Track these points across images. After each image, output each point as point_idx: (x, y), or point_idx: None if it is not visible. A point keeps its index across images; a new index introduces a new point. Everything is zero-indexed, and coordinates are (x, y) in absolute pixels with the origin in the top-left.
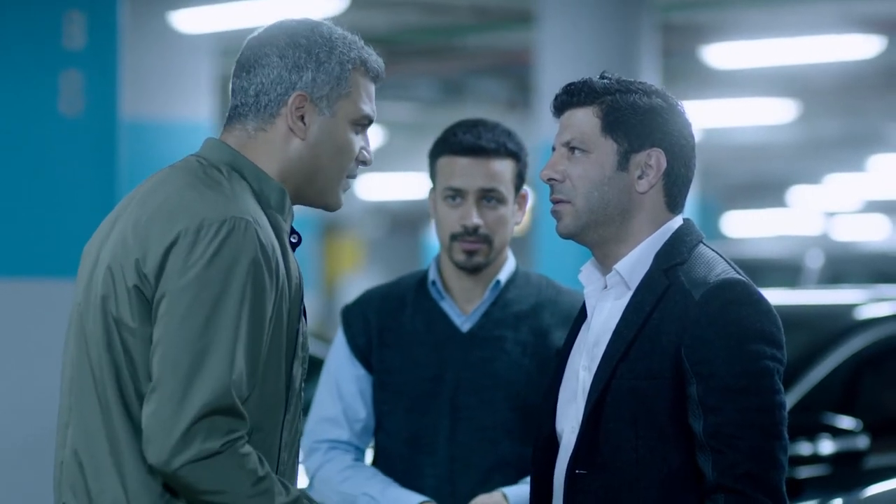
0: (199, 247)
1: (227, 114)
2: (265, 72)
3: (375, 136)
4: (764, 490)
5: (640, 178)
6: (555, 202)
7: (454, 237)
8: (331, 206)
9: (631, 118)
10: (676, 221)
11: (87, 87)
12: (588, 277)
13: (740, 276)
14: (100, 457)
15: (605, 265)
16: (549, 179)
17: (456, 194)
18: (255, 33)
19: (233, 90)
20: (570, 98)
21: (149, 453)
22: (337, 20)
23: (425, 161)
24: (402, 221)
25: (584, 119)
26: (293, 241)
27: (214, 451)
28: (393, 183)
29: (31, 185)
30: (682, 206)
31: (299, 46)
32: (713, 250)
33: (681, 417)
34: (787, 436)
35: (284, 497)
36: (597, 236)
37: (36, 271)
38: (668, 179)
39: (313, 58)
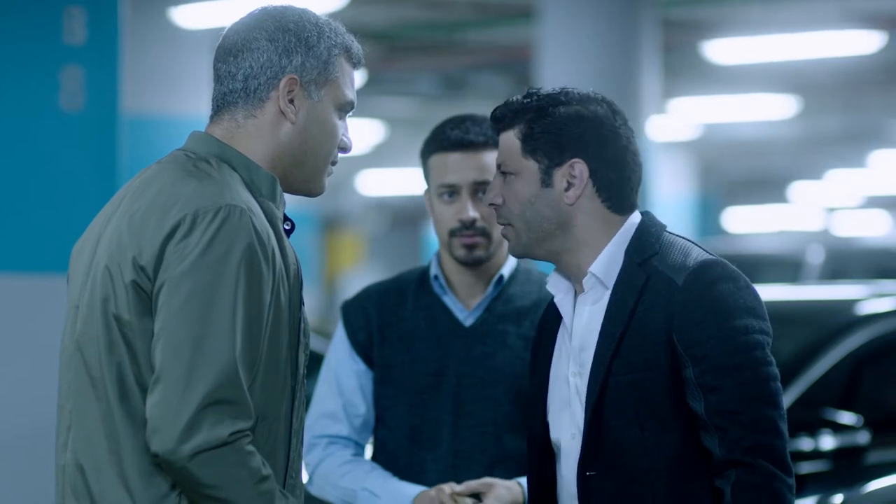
0: (194, 235)
1: (214, 102)
2: (254, 56)
3: (376, 131)
4: (771, 459)
5: (566, 190)
6: (501, 226)
7: (453, 233)
8: (315, 191)
9: (545, 136)
10: (636, 216)
11: (87, 83)
12: (556, 286)
13: (715, 257)
14: (101, 460)
15: (569, 273)
16: (490, 204)
17: (450, 190)
18: (239, 19)
19: (218, 76)
20: (496, 123)
21: (154, 442)
22: (337, 15)
23: None
24: (403, 217)
25: (509, 142)
26: (286, 227)
27: (223, 440)
28: (393, 178)
29: (32, 180)
30: (631, 204)
31: (288, 31)
32: (679, 236)
33: (680, 402)
34: (783, 405)
35: (284, 502)
36: (544, 252)
37: (37, 267)
38: (600, 185)
39: (303, 42)
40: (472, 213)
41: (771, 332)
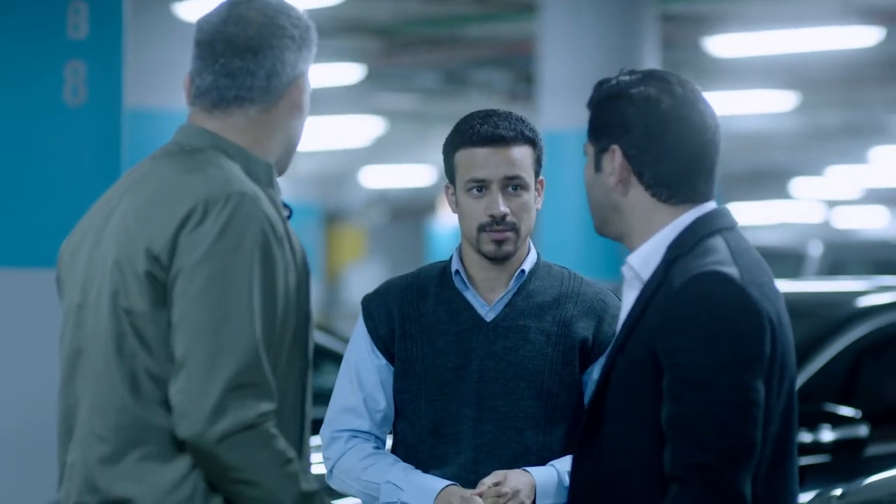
0: (207, 223)
1: (215, 94)
2: (275, 54)
3: (377, 126)
4: (712, 485)
5: (610, 175)
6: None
7: (481, 228)
8: (285, 171)
9: (593, 121)
10: (697, 211)
11: (90, 77)
12: (626, 270)
13: (724, 270)
14: (110, 454)
15: None
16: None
17: (479, 185)
18: (239, 12)
19: (229, 72)
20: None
21: (181, 428)
22: (339, 10)
23: (427, 150)
24: (404, 210)
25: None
26: (286, 214)
27: (249, 422)
28: (394, 172)
29: (36, 174)
30: (691, 196)
31: (298, 27)
32: (726, 241)
33: (659, 408)
34: (750, 434)
35: (308, 485)
36: (610, 234)
37: (40, 262)
38: (641, 173)
39: (305, 38)
40: (503, 207)
41: (761, 357)
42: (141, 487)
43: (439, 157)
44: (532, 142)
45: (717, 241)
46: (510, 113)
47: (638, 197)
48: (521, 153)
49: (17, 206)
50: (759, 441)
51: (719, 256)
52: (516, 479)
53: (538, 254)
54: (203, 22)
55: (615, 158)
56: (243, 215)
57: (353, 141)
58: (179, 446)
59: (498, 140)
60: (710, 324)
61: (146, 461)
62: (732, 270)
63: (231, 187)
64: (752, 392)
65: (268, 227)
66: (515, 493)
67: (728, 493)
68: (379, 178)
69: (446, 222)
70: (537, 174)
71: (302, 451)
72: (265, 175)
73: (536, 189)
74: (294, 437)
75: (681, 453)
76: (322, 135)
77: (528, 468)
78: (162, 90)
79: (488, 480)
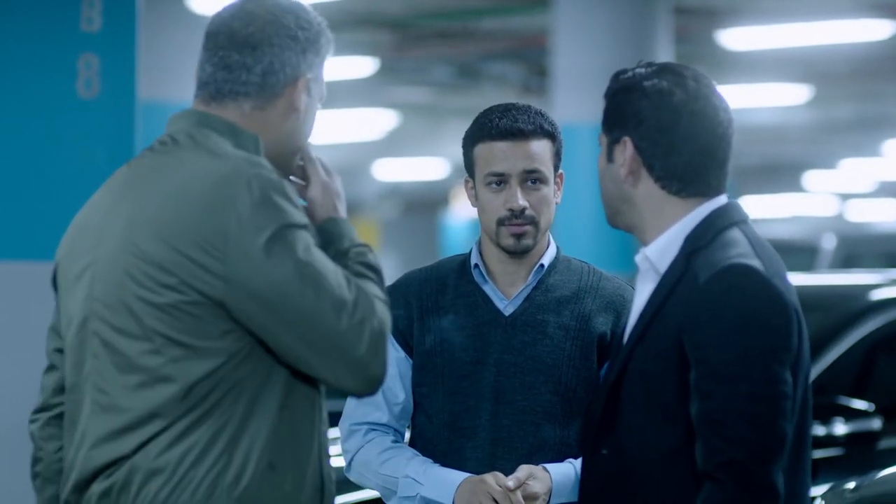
0: (241, 206)
1: (212, 87)
2: (274, 52)
3: (390, 119)
4: (745, 481)
5: (620, 166)
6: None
7: (500, 222)
8: (286, 176)
9: (609, 112)
10: (712, 204)
11: (104, 70)
12: (640, 261)
13: (750, 263)
14: (131, 446)
15: None
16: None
17: (499, 179)
18: (248, 8)
19: (227, 64)
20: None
21: (353, 393)
22: (351, 3)
23: (440, 143)
24: (417, 203)
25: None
26: None
27: (385, 334)
28: (407, 165)
29: (50, 167)
30: (704, 189)
31: (304, 28)
32: (744, 234)
33: (685, 402)
34: (782, 427)
35: (373, 284)
36: (622, 226)
37: (53, 254)
38: (651, 165)
39: (314, 42)
40: (522, 201)
41: (790, 350)
42: (170, 473)
43: (453, 150)
44: (551, 135)
45: (736, 234)
46: (529, 106)
47: (648, 189)
48: (540, 147)
49: (32, 200)
50: (789, 433)
51: (742, 249)
52: (540, 484)
53: (558, 248)
54: (215, 15)
55: (626, 150)
56: (267, 193)
57: (365, 134)
58: (175, 415)
59: (517, 134)
60: (739, 317)
61: (143, 435)
62: (756, 263)
63: (248, 167)
64: (781, 384)
65: (289, 188)
66: (534, 498)
67: (761, 488)
68: (392, 171)
69: (460, 215)
70: (556, 168)
71: (315, 439)
72: (253, 147)
73: (556, 183)
74: (308, 424)
75: (712, 450)
76: (335, 128)
77: (547, 465)
78: (175, 83)
79: (521, 475)
